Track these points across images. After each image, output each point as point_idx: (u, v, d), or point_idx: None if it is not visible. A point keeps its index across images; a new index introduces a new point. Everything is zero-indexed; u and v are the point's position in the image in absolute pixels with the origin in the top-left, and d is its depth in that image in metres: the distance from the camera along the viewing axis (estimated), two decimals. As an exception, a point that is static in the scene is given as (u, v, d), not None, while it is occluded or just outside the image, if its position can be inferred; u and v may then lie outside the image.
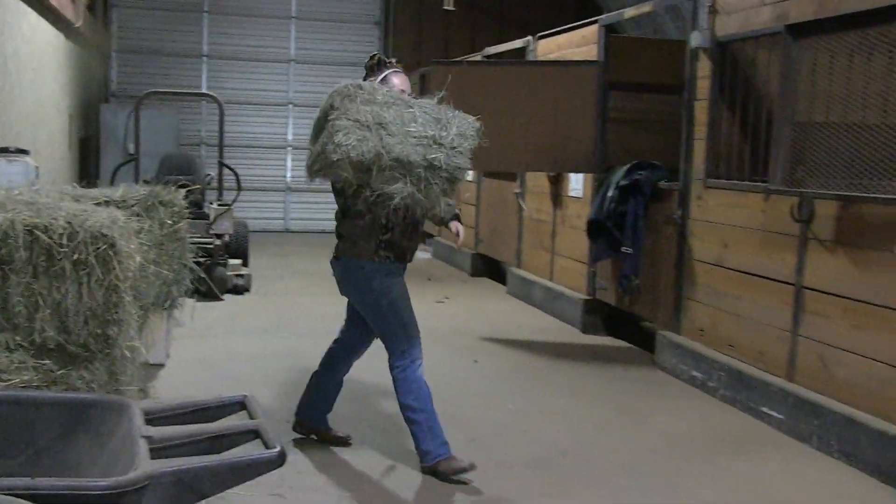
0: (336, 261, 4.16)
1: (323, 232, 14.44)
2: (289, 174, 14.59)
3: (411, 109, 3.71)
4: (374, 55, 4.21)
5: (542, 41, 8.49)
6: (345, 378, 4.56)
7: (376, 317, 4.11)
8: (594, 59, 7.17)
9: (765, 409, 5.16)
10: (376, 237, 3.99)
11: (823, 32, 4.68)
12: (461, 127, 3.71)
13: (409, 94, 4.07)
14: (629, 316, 7.17)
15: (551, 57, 8.13)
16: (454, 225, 4.22)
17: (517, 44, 9.03)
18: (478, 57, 10.06)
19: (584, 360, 6.63)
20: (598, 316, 7.47)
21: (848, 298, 4.65)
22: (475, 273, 10.56)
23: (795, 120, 4.88)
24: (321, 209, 14.68)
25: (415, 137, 3.61)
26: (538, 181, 8.55)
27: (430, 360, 6.44)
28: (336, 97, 3.77)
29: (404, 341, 4.08)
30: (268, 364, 6.09)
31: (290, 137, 14.53)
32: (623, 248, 6.57)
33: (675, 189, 6.24)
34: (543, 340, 7.15)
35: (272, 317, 7.73)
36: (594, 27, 7.40)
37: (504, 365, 6.37)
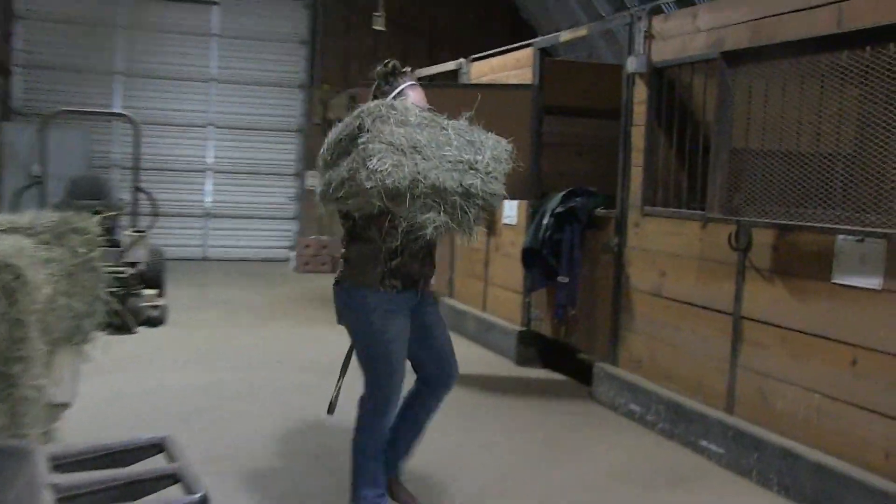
0: (338, 287, 3.93)
1: (244, 260, 14.28)
2: (208, 199, 14.39)
3: (445, 131, 3.56)
4: (389, 62, 3.93)
5: (476, 63, 8.58)
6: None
7: (365, 356, 3.93)
8: (529, 82, 7.27)
9: (704, 443, 5.25)
10: (383, 263, 3.78)
11: (758, 60, 4.84)
12: (495, 150, 3.60)
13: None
14: (565, 347, 7.23)
15: (485, 80, 8.22)
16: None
17: (450, 65, 9.10)
18: (409, 79, 10.09)
19: (519, 393, 6.66)
20: (533, 347, 7.52)
21: (785, 328, 4.78)
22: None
23: (732, 147, 5.02)
24: (242, 236, 14.52)
25: (450, 162, 3.46)
26: (471, 208, 8.56)
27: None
28: (367, 118, 3.56)
29: (382, 386, 3.90)
30: (188, 401, 5.97)
31: (209, 160, 14.35)
32: (559, 278, 6.64)
33: (612, 216, 6.35)
34: (476, 373, 7.15)
35: (191, 350, 7.59)
36: (529, 50, 7.52)
37: (437, 399, 6.34)
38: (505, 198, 3.62)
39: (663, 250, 5.82)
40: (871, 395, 4.28)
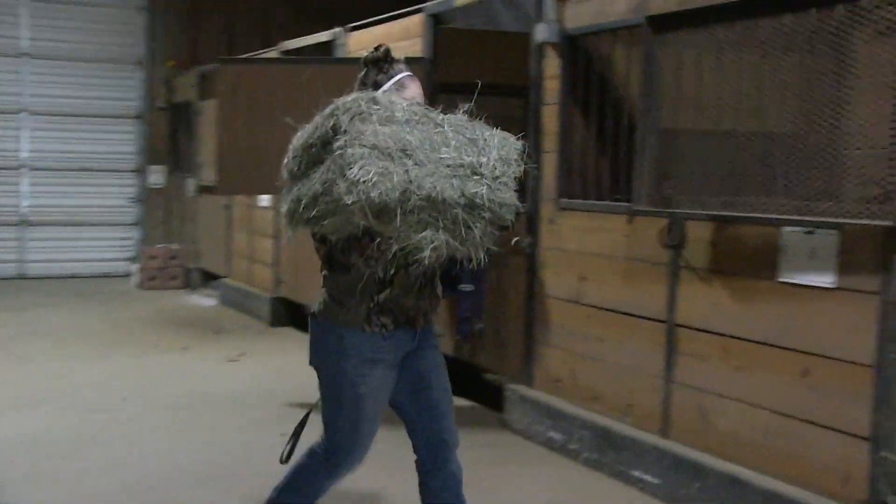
0: (313, 320, 3.74)
1: (74, 277, 13.82)
2: (24, 203, 13.85)
3: (441, 129, 3.35)
4: (380, 46, 3.77)
5: (355, 34, 8.52)
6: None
7: (330, 403, 3.72)
8: (419, 55, 7.25)
9: (637, 473, 5.32)
10: (369, 298, 3.57)
11: (689, 26, 4.94)
12: (502, 149, 3.36)
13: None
14: (471, 368, 7.23)
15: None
16: None
17: (322, 37, 9.01)
18: (274, 53, 9.97)
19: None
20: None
21: (727, 336, 4.89)
22: (276, 322, 10.40)
23: (661, 127, 5.11)
24: (70, 248, 14.04)
25: (448, 167, 3.25)
26: (353, 206, 8.51)
27: (228, 435, 6.31)
28: (343, 116, 3.35)
29: (344, 444, 3.72)
30: (5, 459, 5.71)
31: (24, 155, 13.81)
32: (461, 286, 6.64)
33: (522, 212, 6.38)
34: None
35: (8, 392, 7.26)
36: (418, 17, 7.51)
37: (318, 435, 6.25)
38: (518, 208, 3.34)
39: (583, 250, 5.88)
40: (825, 410, 4.40)
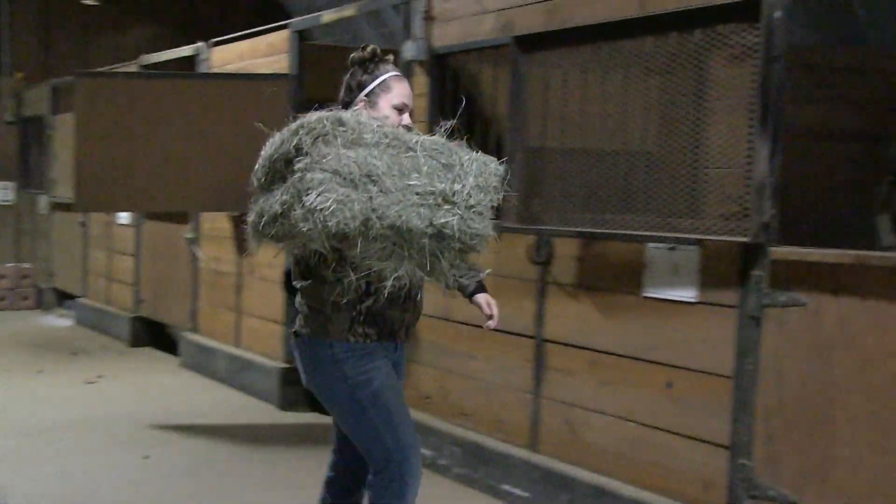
0: (297, 340, 3.58)
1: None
2: None
3: (412, 152, 3.16)
4: (366, 46, 3.59)
5: (218, 49, 8.40)
6: None
7: (352, 417, 3.50)
8: (285, 71, 7.21)
9: (506, 487, 5.38)
10: (351, 307, 3.44)
11: (554, 46, 5.04)
12: (480, 176, 3.18)
13: (409, 112, 3.56)
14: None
15: (230, 69, 8.06)
16: (483, 300, 3.83)
17: (185, 51, 8.86)
18: (133, 67, 9.73)
19: (285, 443, 6.57)
20: (300, 388, 7.39)
21: (594, 350, 4.99)
22: (136, 342, 10.17)
23: (528, 146, 5.19)
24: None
25: (417, 194, 3.08)
26: (217, 223, 8.39)
27: (86, 459, 6.09)
28: (305, 136, 3.18)
29: (394, 450, 3.47)
30: None
31: None
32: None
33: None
34: (232, 423, 7.00)
35: None
36: (284, 33, 7.46)
37: (184, 459, 6.14)
38: (493, 238, 3.21)
39: (452, 267, 5.90)
40: (688, 420, 4.54)
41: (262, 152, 3.35)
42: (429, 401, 6.11)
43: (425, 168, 3.14)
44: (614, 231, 4.75)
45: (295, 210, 3.09)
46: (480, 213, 3.14)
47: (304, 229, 3.06)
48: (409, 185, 3.09)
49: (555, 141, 5.16)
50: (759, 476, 4.21)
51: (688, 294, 4.53)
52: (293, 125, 3.25)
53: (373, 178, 3.08)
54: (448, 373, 5.96)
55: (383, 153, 3.14)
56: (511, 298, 5.46)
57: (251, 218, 3.34)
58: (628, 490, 4.76)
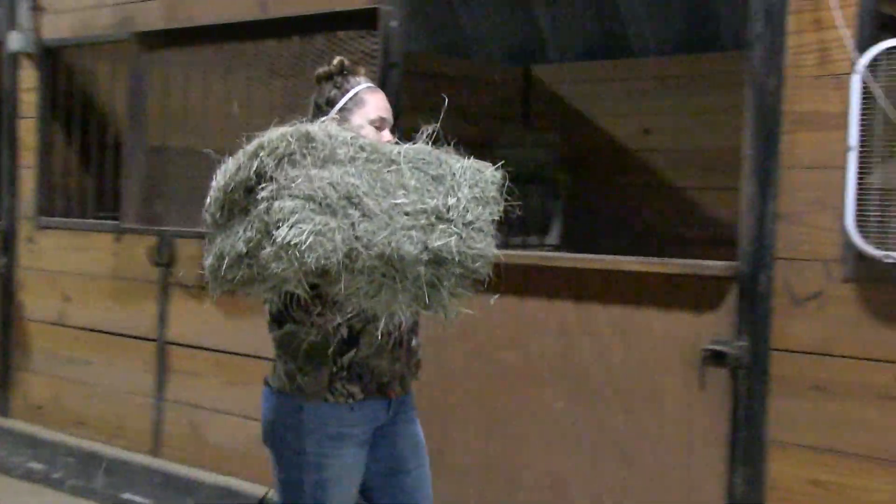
0: (264, 391, 2.99)
1: None
2: None
3: (395, 165, 2.65)
4: (335, 58, 3.05)
5: None
6: None
7: (288, 491, 2.95)
8: None
9: (127, 496, 5.20)
10: (331, 359, 2.86)
11: (177, 44, 4.96)
12: (476, 186, 2.68)
13: (390, 128, 2.93)
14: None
15: None
16: None
17: None
18: None
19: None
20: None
21: (219, 351, 4.96)
22: None
23: (149, 145, 5.07)
24: None
25: (407, 214, 2.56)
26: None
27: None
28: (266, 158, 2.58)
29: None
30: None
31: None
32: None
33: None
34: None
35: None
36: None
37: None
38: (497, 259, 2.66)
39: (67, 270, 5.65)
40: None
41: (213, 182, 2.75)
42: (41, 411, 5.79)
43: (412, 183, 2.63)
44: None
45: (264, 248, 2.50)
46: (481, 230, 2.64)
47: (277, 270, 2.48)
48: (396, 204, 2.58)
49: (177, 140, 5.09)
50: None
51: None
52: (250, 147, 2.66)
53: (353, 200, 2.55)
54: (63, 381, 5.68)
55: (362, 170, 2.61)
56: (132, 301, 5.32)
57: (208, 261, 2.73)
58: (254, 488, 4.75)
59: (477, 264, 2.59)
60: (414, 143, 2.67)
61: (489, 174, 2.69)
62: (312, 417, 2.86)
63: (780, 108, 3.36)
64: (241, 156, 2.65)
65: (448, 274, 2.58)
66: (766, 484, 3.39)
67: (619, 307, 3.72)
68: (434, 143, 2.67)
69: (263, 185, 2.54)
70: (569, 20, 6.12)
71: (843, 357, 3.25)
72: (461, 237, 2.57)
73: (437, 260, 2.54)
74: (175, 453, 5.13)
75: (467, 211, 2.61)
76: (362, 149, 2.63)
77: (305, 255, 2.40)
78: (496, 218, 2.66)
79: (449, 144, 2.69)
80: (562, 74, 6.11)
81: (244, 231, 2.59)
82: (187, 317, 5.09)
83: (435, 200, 2.59)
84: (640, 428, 3.69)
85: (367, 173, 2.59)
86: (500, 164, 2.72)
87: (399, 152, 2.65)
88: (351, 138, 2.64)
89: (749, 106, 3.44)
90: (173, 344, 5.15)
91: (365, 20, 4.30)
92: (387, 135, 3.01)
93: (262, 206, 2.52)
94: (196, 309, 5.04)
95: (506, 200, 2.68)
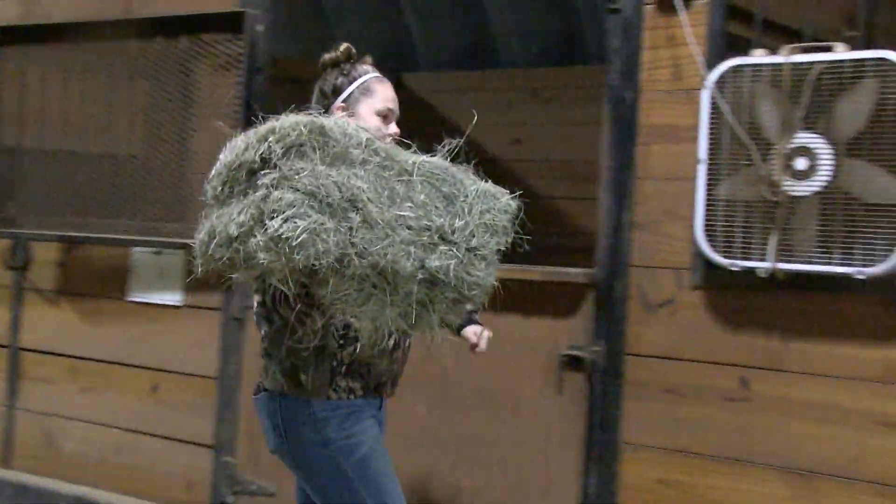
0: (260, 398, 2.84)
1: None
2: None
3: (407, 177, 2.53)
4: (341, 45, 2.92)
5: None
6: None
7: (333, 490, 2.81)
8: None
9: (-25, 508, 5.03)
10: (330, 358, 2.76)
11: (33, 41, 4.84)
12: (488, 212, 2.56)
13: (396, 119, 2.78)
14: None
15: None
16: (471, 332, 3.11)
17: None
18: None
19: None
20: None
21: (75, 357, 4.85)
22: None
23: (2, 145, 4.93)
24: None
25: (409, 229, 2.45)
26: None
27: None
28: (275, 145, 2.45)
29: None
30: None
31: None
32: None
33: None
34: None
35: None
36: None
37: None
38: (496, 289, 2.58)
39: None
40: (172, 423, 4.56)
41: (221, 156, 2.60)
42: None
43: (422, 197, 2.51)
44: (98, 235, 4.64)
45: (255, 236, 2.40)
46: (484, 258, 2.53)
47: (264, 261, 2.39)
48: (401, 216, 2.47)
49: (34, 141, 4.94)
50: (242, 472, 4.34)
51: (173, 298, 4.55)
52: (262, 129, 2.53)
53: (356, 204, 2.42)
54: None
55: (372, 175, 2.50)
56: (-18, 306, 5.15)
57: (200, 236, 2.58)
58: (111, 498, 4.68)
59: (473, 292, 2.52)
60: (432, 156, 2.57)
61: (504, 202, 2.60)
62: (322, 408, 2.79)
63: (635, 121, 3.49)
64: (251, 135, 2.54)
65: (441, 297, 2.50)
66: (619, 484, 3.51)
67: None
68: (454, 159, 2.57)
69: (266, 171, 2.46)
70: (439, 29, 6.20)
71: (692, 361, 3.38)
72: (461, 261, 2.49)
73: (433, 280, 2.46)
74: (28, 463, 5.00)
75: (473, 236, 2.52)
76: (376, 153, 2.54)
77: (295, 252, 2.33)
78: (502, 248, 2.58)
79: (469, 163, 2.60)
80: (432, 83, 6.18)
81: (239, 214, 2.47)
82: (43, 322, 4.96)
83: (441, 219, 2.50)
84: (500, 431, 3.76)
85: (376, 179, 2.50)
86: (517, 193, 2.63)
87: (414, 163, 2.55)
88: (367, 140, 2.54)
89: (607, 118, 3.55)
90: (27, 350, 5.02)
91: (231, 24, 4.27)
92: (393, 127, 2.93)
93: (261, 192, 2.42)
94: (53, 314, 4.92)
95: (516, 232, 2.59)
